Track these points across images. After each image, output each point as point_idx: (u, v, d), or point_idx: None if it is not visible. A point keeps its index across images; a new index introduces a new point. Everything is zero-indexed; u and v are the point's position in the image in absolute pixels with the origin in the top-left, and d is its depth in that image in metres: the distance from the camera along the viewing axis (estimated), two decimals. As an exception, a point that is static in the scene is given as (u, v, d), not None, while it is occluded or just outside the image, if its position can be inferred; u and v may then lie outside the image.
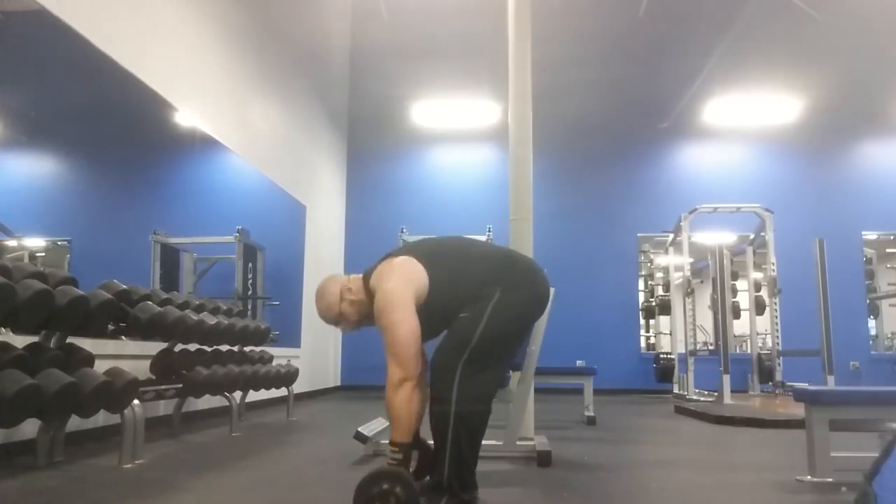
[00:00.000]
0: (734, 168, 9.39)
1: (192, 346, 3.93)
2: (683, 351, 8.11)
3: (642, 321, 9.76)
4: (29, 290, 2.41)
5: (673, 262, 8.73)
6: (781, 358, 7.93)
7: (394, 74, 9.45)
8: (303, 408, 5.88)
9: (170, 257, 5.21)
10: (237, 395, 4.37)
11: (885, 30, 8.91)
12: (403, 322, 2.02)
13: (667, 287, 9.16)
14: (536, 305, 2.25)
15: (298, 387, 5.56)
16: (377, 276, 2.15)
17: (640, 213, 9.28)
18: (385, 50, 9.34)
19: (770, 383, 7.87)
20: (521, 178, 3.80)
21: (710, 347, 7.92)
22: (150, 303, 3.34)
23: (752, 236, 8.47)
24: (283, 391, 5.05)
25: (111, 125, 4.35)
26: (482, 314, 2.06)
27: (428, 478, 2.15)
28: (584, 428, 4.68)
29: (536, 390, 3.37)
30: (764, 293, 8.26)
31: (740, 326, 8.98)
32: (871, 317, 9.70)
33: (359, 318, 2.21)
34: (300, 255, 7.40)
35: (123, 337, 3.42)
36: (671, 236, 8.59)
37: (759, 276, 8.47)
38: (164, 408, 4.12)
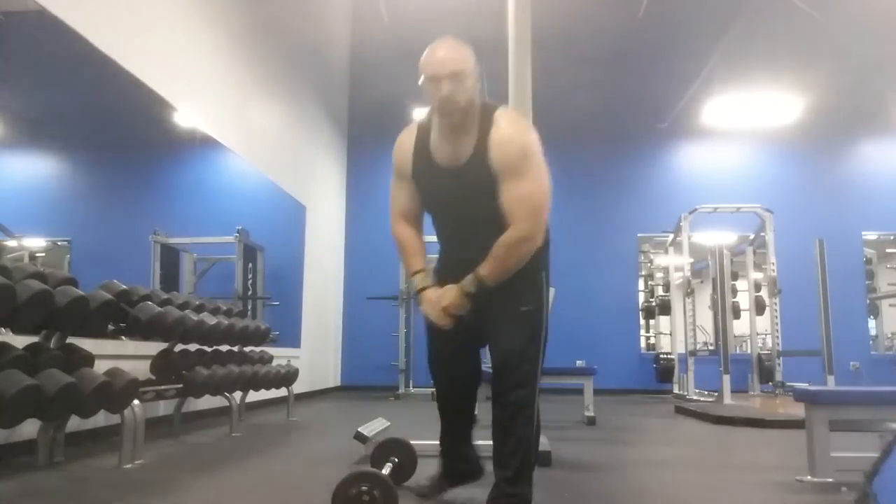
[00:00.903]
0: (734, 168, 9.39)
1: (192, 347, 3.93)
2: (683, 351, 8.11)
3: (642, 321, 9.76)
4: (29, 291, 2.41)
5: (673, 263, 8.73)
6: (781, 358, 7.92)
7: (394, 74, 9.41)
8: (303, 408, 5.88)
9: (170, 257, 5.22)
10: (237, 395, 4.37)
11: (885, 30, 8.91)
12: (546, 180, 1.87)
13: (667, 287, 9.15)
14: None
15: (298, 387, 5.55)
16: (515, 116, 1.99)
17: (639, 214, 9.27)
18: (385, 50, 9.32)
19: (770, 383, 7.86)
20: (521, 178, 3.79)
21: (710, 347, 7.90)
22: (150, 303, 3.35)
23: (752, 236, 8.46)
24: (283, 391, 5.05)
25: (111, 125, 4.36)
26: (541, 306, 1.99)
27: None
28: (584, 428, 4.67)
29: (536, 390, 3.36)
30: (764, 293, 8.25)
31: (740, 326, 8.96)
32: (871, 317, 9.70)
33: (466, 94, 1.93)
34: (300, 255, 7.40)
35: (123, 337, 3.42)
36: (671, 236, 8.59)
37: (759, 276, 8.46)
38: (164, 408, 4.12)
